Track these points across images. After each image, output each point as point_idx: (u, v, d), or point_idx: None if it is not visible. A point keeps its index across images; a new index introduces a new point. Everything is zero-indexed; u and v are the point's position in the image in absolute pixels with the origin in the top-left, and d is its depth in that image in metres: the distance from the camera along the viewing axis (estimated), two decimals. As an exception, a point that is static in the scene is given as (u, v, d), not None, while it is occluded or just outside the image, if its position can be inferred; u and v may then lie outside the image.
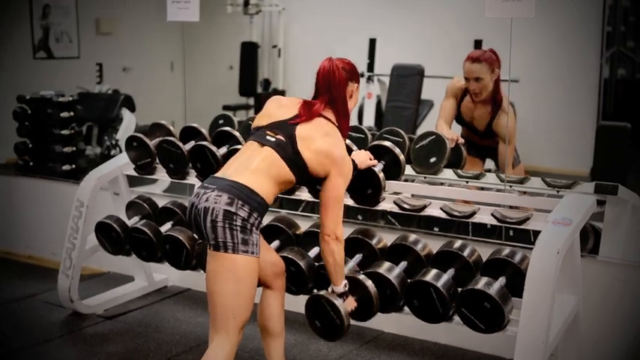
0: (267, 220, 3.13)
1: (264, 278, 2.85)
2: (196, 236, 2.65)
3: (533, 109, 6.45)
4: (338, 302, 2.79)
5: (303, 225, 3.38)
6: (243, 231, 2.53)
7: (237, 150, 3.03)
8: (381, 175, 3.07)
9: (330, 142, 2.70)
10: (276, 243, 3.26)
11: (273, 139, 2.69)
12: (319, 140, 2.69)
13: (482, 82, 3.73)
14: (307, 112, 2.74)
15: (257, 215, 2.58)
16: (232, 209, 2.52)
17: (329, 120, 2.76)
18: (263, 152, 2.68)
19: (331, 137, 2.72)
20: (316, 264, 3.08)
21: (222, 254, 2.53)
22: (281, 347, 2.92)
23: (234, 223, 2.52)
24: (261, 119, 2.80)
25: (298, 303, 3.23)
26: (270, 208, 2.70)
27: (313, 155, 2.68)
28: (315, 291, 3.01)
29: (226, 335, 2.57)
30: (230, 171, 2.65)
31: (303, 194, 3.30)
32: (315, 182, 2.79)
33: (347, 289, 2.83)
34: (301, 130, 2.70)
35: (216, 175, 2.68)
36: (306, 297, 3.12)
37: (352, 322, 2.83)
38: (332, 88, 2.76)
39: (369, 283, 2.88)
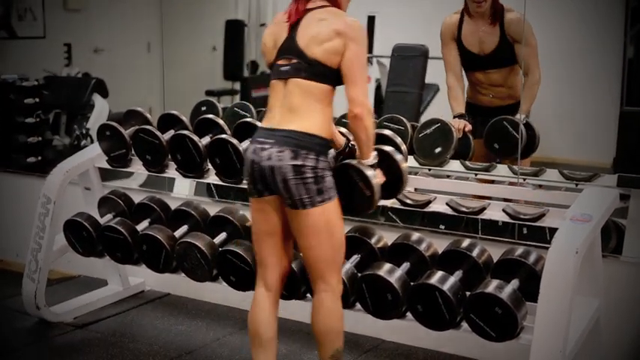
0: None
1: (270, 274, 2.87)
2: (259, 187, 2.75)
3: (549, 94, 6.43)
4: (370, 172, 2.80)
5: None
6: (315, 181, 2.66)
7: (223, 140, 3.18)
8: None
9: (328, 22, 2.73)
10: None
11: (288, 67, 2.76)
12: (320, 32, 2.72)
13: None
14: (294, 13, 2.78)
15: (324, 158, 2.70)
16: (299, 162, 2.65)
17: (320, 7, 2.78)
18: (291, 87, 2.73)
19: (328, 17, 2.75)
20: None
21: (301, 211, 2.69)
22: (273, 358, 2.90)
23: (305, 176, 2.65)
24: (270, 54, 2.85)
25: (289, 309, 3.23)
26: None
27: (324, 48, 2.71)
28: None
29: (333, 277, 2.75)
30: (276, 119, 2.74)
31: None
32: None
33: (376, 161, 2.86)
34: (300, 37, 2.75)
35: (264, 126, 2.78)
36: (298, 302, 3.13)
37: (346, 329, 2.84)
38: None
39: (399, 156, 2.93)
